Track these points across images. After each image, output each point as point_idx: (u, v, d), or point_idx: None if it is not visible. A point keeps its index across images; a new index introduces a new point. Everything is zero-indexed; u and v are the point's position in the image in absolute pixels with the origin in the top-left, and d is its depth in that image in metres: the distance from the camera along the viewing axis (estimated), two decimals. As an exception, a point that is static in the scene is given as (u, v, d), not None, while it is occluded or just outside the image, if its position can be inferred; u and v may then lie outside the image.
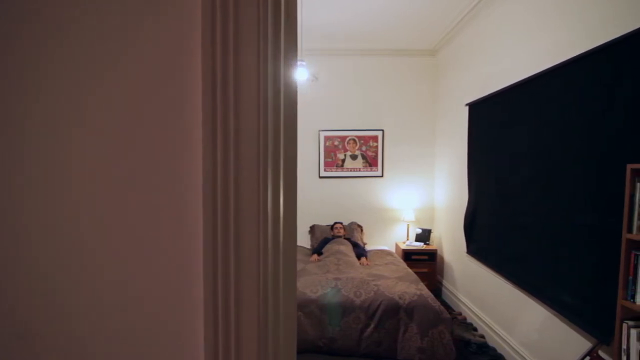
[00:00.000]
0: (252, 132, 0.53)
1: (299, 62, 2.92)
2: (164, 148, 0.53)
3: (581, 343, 1.86)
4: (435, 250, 3.93)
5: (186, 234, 0.54)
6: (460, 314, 3.39)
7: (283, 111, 0.68)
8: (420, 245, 4.00)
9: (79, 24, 0.53)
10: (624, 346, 1.47)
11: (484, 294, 3.01)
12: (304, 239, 4.32)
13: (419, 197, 4.37)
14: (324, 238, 3.93)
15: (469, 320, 3.23)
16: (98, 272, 0.54)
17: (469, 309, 3.26)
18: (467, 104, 3.25)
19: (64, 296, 0.55)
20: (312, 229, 4.25)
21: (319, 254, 3.65)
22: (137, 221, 0.54)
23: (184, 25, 0.52)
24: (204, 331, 0.53)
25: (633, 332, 1.44)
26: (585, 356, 1.72)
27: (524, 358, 2.35)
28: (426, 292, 2.63)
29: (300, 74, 2.94)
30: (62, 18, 0.53)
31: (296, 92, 0.71)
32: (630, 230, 1.44)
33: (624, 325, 1.47)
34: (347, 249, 3.61)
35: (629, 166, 1.45)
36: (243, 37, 0.52)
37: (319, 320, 2.46)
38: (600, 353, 1.71)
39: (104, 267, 0.54)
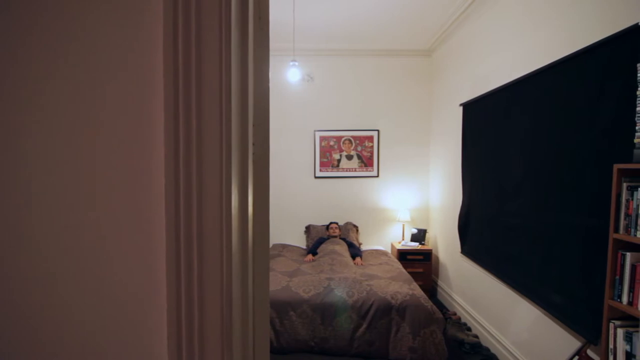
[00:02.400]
0: (215, 134, 0.53)
1: (291, 63, 2.93)
2: (126, 150, 0.53)
3: (572, 343, 1.86)
4: (430, 250, 3.93)
5: (149, 235, 0.54)
6: (454, 313, 3.39)
7: (253, 112, 0.68)
8: (415, 245, 4.00)
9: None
10: (610, 346, 1.47)
11: (477, 294, 3.01)
12: (299, 239, 4.33)
13: (414, 197, 4.37)
14: (319, 238, 3.93)
15: (463, 320, 3.23)
16: (59, 269, 0.55)
17: (463, 308, 3.26)
18: (461, 104, 3.25)
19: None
20: (308, 229, 4.25)
21: (314, 254, 3.65)
22: (99, 220, 0.54)
23: (145, 27, 0.52)
24: (167, 331, 0.53)
25: (620, 331, 1.44)
26: (574, 356, 1.72)
27: (517, 358, 2.35)
28: (419, 291, 2.63)
29: (293, 75, 2.95)
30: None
31: (268, 92, 0.72)
32: (617, 230, 1.45)
33: (611, 325, 1.47)
34: (342, 249, 3.61)
35: (616, 166, 1.45)
36: (205, 39, 0.52)
37: (310, 320, 2.46)
38: (589, 352, 1.71)
39: (63, 265, 0.55)
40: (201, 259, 0.53)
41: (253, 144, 0.67)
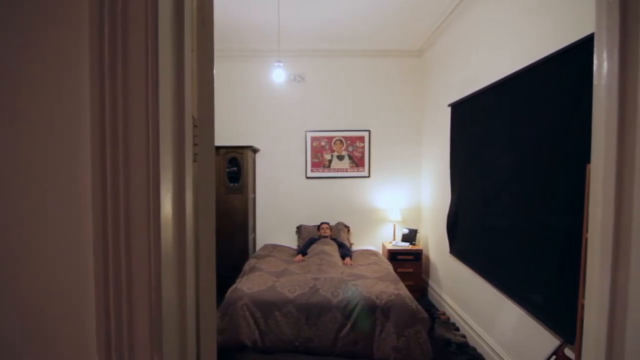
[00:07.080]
0: (141, 134, 0.53)
1: (276, 63, 2.93)
2: (51, 150, 0.54)
3: (554, 342, 1.86)
4: (421, 250, 3.93)
5: (78, 236, 0.54)
6: (443, 313, 3.39)
7: (197, 112, 0.69)
8: (406, 245, 4.00)
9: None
10: (585, 346, 1.47)
11: (465, 294, 3.02)
12: (291, 240, 4.33)
13: (405, 198, 4.38)
14: (310, 238, 3.93)
15: (452, 320, 3.23)
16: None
17: (452, 309, 3.27)
18: (449, 105, 3.25)
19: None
20: (299, 230, 4.26)
21: (304, 254, 3.65)
22: (28, 221, 0.54)
23: (72, 30, 0.53)
24: (96, 334, 0.54)
25: (593, 331, 1.44)
26: (551, 356, 1.72)
27: (502, 358, 2.35)
28: (404, 291, 2.63)
29: (277, 75, 2.95)
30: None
31: (213, 93, 0.72)
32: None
33: (585, 325, 1.47)
34: (332, 249, 3.61)
35: (589, 166, 1.45)
36: (130, 42, 0.52)
37: (295, 320, 2.46)
38: (567, 352, 1.71)
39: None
40: (129, 261, 0.54)
41: (195, 145, 0.67)
